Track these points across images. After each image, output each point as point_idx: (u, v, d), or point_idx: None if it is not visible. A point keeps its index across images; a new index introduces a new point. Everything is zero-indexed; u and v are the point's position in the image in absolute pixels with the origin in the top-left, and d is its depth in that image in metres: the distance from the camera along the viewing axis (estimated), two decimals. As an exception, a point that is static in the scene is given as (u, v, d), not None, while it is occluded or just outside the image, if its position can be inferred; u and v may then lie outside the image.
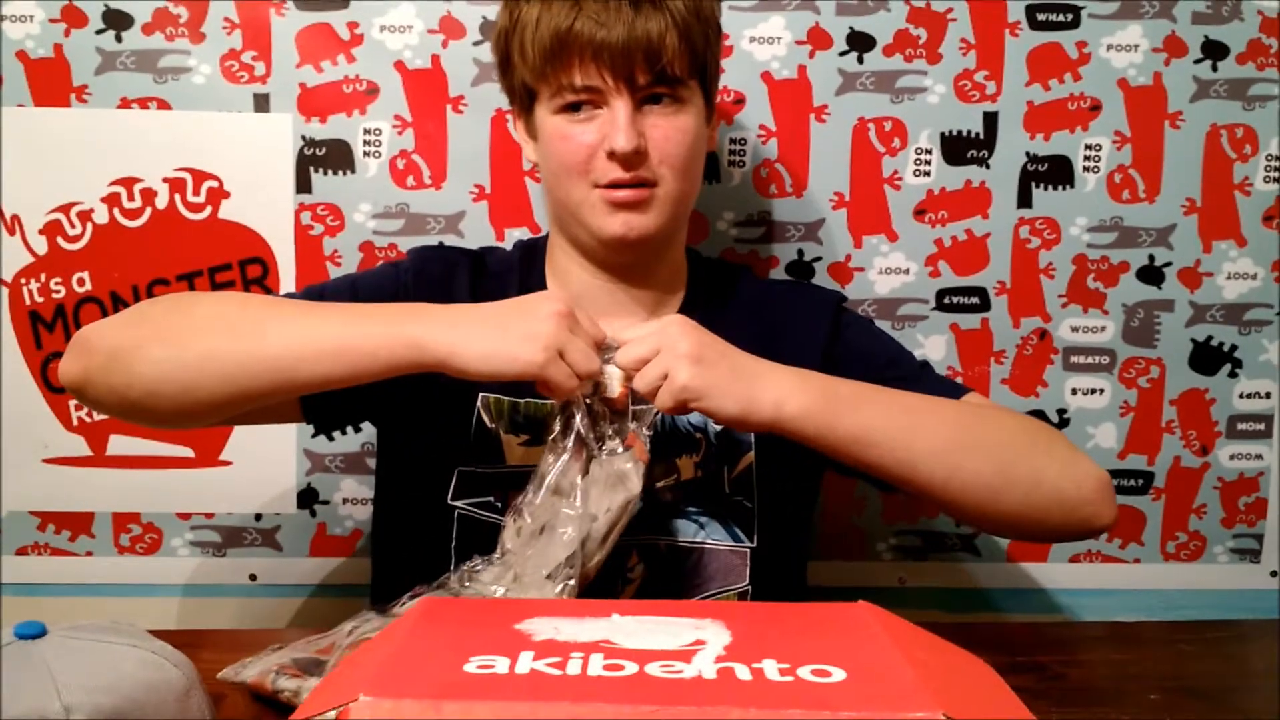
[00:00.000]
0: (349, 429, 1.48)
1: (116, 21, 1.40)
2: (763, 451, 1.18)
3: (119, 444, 1.46)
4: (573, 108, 1.11)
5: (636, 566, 1.15)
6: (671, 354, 0.97)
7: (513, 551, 0.98)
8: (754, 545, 1.16)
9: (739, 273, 1.33)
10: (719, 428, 1.17)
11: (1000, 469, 1.06)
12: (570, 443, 0.98)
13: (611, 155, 1.10)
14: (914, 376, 1.22)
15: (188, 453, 1.47)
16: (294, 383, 0.99)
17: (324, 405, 1.15)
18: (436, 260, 1.24)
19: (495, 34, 1.18)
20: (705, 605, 1.03)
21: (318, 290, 1.21)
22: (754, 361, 1.02)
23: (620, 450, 0.99)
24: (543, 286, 1.24)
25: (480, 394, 1.17)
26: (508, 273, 1.25)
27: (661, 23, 1.08)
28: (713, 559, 1.16)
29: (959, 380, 1.48)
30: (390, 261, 1.32)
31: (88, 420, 1.45)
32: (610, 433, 1.00)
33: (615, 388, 0.99)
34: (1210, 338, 1.51)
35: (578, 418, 0.98)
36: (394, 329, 0.97)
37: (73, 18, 1.39)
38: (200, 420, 1.07)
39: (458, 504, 1.15)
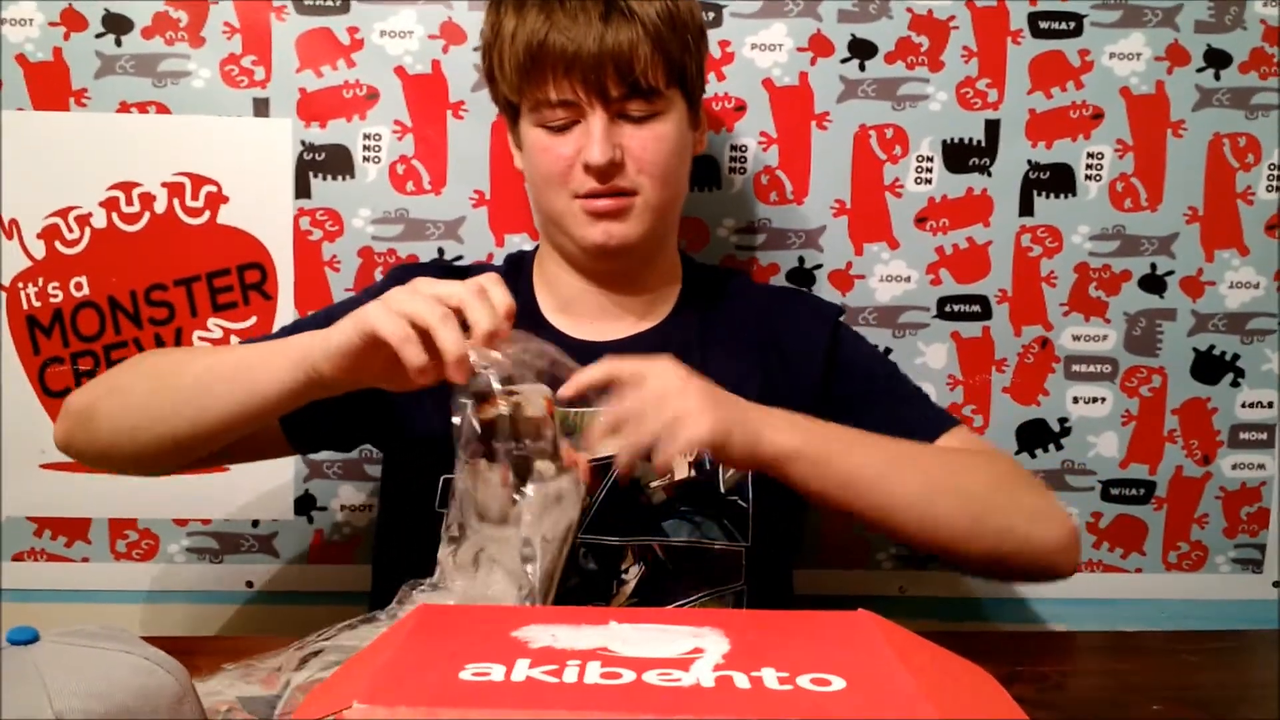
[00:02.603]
0: (354, 450, 1.48)
1: (116, 25, 1.39)
2: None
3: (116, 449, 1.45)
4: (550, 120, 1.12)
5: (632, 568, 1.15)
6: (681, 402, 0.94)
7: (447, 587, 0.93)
8: (749, 545, 1.16)
9: (735, 278, 1.34)
10: None
11: (973, 518, 1.06)
12: (487, 459, 0.92)
13: (588, 168, 1.11)
14: (909, 399, 1.25)
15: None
16: (206, 416, 1.02)
17: (303, 427, 1.18)
18: (409, 275, 1.25)
19: (482, 46, 1.19)
20: (704, 613, 1.03)
21: (291, 326, 1.26)
22: (749, 404, 1.01)
23: (554, 473, 0.94)
24: (529, 295, 1.25)
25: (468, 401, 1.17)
26: None
27: (633, 34, 1.09)
28: (708, 559, 1.15)
29: (956, 397, 1.49)
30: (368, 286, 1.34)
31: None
32: (541, 448, 0.93)
33: (538, 403, 0.92)
34: (1212, 347, 1.50)
35: (461, 424, 0.91)
36: (285, 349, 0.98)
37: (72, 21, 1.39)
38: (165, 464, 1.13)
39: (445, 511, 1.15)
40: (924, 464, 1.09)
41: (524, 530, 0.90)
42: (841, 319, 1.28)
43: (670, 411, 0.92)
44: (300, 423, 1.16)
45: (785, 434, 0.99)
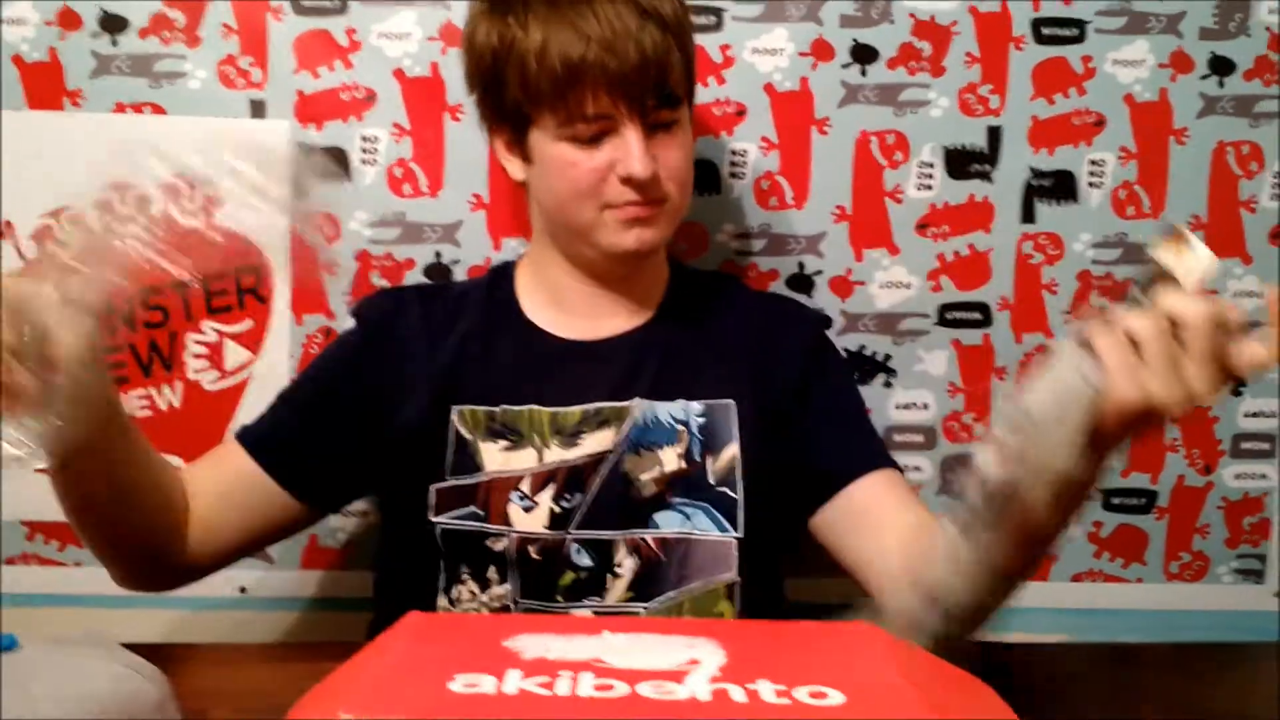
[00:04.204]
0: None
1: (112, 25, 1.38)
2: (746, 445, 1.18)
3: (109, 453, 1.44)
4: (581, 135, 1.11)
5: (625, 560, 1.15)
6: None
7: None
8: (741, 536, 1.16)
9: (725, 281, 1.37)
10: (701, 419, 1.18)
11: None
12: None
13: (627, 181, 1.10)
14: (863, 431, 1.26)
15: (178, 461, 1.45)
16: (65, 504, 1.01)
17: (310, 483, 1.21)
18: (378, 305, 1.29)
19: (475, 50, 1.16)
20: (699, 624, 1.02)
21: (292, 385, 1.28)
22: None
23: None
24: (511, 302, 1.26)
25: (454, 407, 1.18)
26: (467, 295, 1.28)
27: (667, 44, 1.09)
28: (700, 550, 1.16)
29: (956, 405, 1.48)
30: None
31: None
32: None
33: None
34: (1215, 356, 1.49)
35: None
36: None
37: (68, 21, 1.38)
38: (166, 576, 1.19)
39: (439, 520, 1.15)
40: None
41: None
42: (828, 330, 1.30)
43: None
44: (304, 479, 1.19)
45: None
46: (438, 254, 1.43)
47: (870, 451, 1.22)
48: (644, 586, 1.15)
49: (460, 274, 1.44)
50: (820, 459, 1.20)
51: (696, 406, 1.19)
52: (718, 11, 1.41)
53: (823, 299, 1.46)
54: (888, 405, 1.48)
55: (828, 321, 1.34)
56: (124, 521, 1.06)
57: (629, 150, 1.10)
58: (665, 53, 1.09)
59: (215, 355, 1.43)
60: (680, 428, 1.18)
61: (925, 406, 1.48)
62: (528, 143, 1.15)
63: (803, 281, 1.47)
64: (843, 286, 1.47)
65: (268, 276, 1.43)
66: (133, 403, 1.42)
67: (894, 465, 1.21)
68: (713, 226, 1.46)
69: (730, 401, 1.19)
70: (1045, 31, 1.43)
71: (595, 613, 1.13)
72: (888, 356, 1.48)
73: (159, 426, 1.42)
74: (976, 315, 1.48)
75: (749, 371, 1.22)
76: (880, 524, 1.15)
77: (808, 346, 1.26)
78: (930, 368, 1.48)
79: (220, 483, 1.18)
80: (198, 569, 1.18)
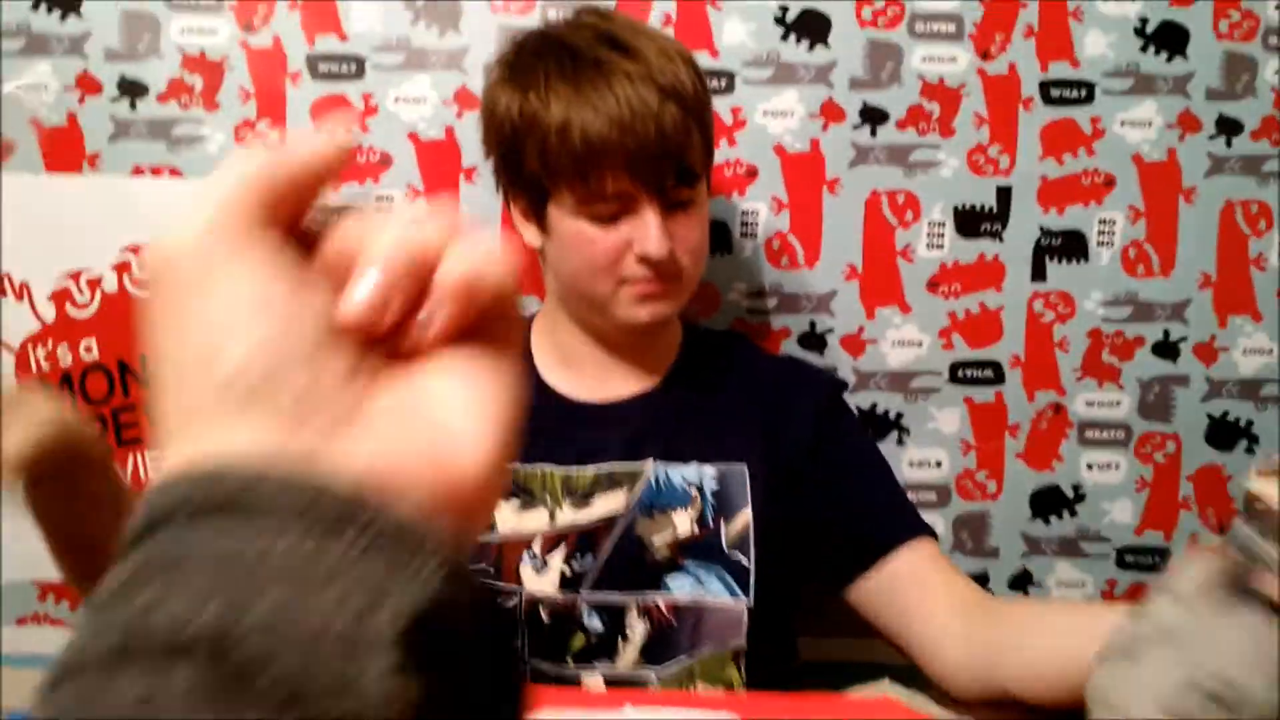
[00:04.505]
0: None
1: (131, 90, 1.40)
2: (759, 510, 1.18)
3: (123, 512, 1.44)
4: (601, 213, 1.11)
5: (636, 625, 1.15)
6: None
7: None
8: (751, 602, 1.16)
9: (737, 341, 1.36)
10: (715, 483, 1.18)
11: None
12: None
13: (644, 260, 1.11)
14: (893, 494, 1.26)
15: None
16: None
17: None
18: None
19: (495, 119, 1.16)
20: (720, 699, 1.02)
21: None
22: None
23: None
24: (525, 362, 1.24)
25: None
26: None
27: (686, 124, 1.10)
28: (711, 616, 1.15)
29: (969, 463, 1.48)
30: None
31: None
32: None
33: None
34: (1226, 413, 1.49)
35: None
36: None
37: (87, 85, 1.40)
38: None
39: None
40: None
41: None
42: (841, 391, 1.30)
43: None
44: None
45: None
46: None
47: (909, 518, 1.22)
48: (655, 651, 1.14)
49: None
50: (859, 527, 1.20)
51: (710, 470, 1.18)
52: (729, 75, 1.43)
53: (834, 357, 1.47)
54: (900, 463, 1.48)
55: (843, 385, 1.34)
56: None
57: (646, 231, 1.10)
58: (685, 132, 1.09)
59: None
60: (693, 491, 1.18)
61: (938, 464, 1.48)
62: (545, 214, 1.15)
63: (814, 340, 1.47)
64: (854, 345, 1.47)
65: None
66: (147, 464, 1.42)
67: (930, 531, 1.21)
68: (724, 286, 1.47)
69: (743, 466, 1.19)
70: (1054, 93, 1.45)
71: (606, 677, 1.13)
72: (900, 415, 1.48)
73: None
74: (988, 373, 1.48)
75: (761, 435, 1.21)
76: (926, 593, 1.14)
77: (821, 409, 1.26)
78: (943, 425, 1.48)
79: None
80: None
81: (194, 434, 0.31)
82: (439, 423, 0.33)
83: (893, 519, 1.21)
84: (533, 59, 1.13)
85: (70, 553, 1.06)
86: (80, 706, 0.25)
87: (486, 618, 0.30)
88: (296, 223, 0.35)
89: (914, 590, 1.15)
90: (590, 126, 1.06)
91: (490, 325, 0.35)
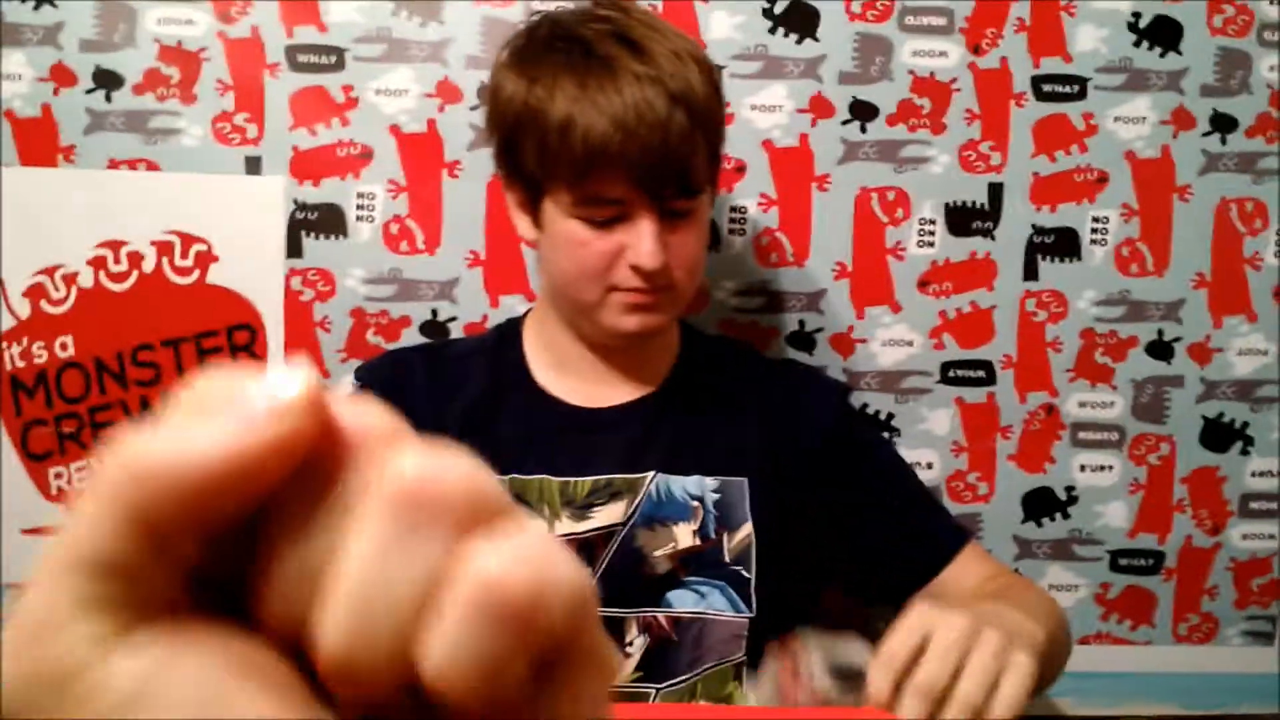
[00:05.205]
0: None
1: (107, 81, 1.37)
2: (761, 523, 1.15)
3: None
4: (595, 216, 1.08)
5: (636, 639, 1.12)
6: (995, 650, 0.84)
7: None
8: (753, 615, 1.14)
9: (737, 347, 1.33)
10: (717, 495, 1.15)
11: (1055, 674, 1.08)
12: None
13: (636, 269, 1.07)
14: (929, 506, 1.26)
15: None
16: None
17: None
18: (383, 368, 1.23)
19: (499, 103, 1.11)
20: (712, 710, 1.00)
21: None
22: (1011, 630, 0.90)
23: None
24: (519, 365, 1.22)
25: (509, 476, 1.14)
26: (472, 356, 1.23)
27: (694, 136, 1.05)
28: (713, 630, 1.13)
29: (960, 464, 1.46)
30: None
31: (68, 489, 1.41)
32: None
33: None
34: (1221, 414, 1.47)
35: None
36: None
37: (62, 77, 1.37)
38: None
39: None
40: (1060, 636, 1.07)
41: None
42: (849, 398, 1.29)
43: (986, 658, 0.83)
44: None
45: (1034, 626, 0.94)
46: (434, 311, 1.42)
47: (949, 530, 1.22)
48: (655, 666, 1.12)
49: (457, 331, 1.42)
50: (906, 550, 1.20)
51: (711, 482, 1.15)
52: (716, 69, 1.40)
53: (824, 357, 1.45)
54: (890, 464, 1.46)
55: (848, 390, 1.31)
56: None
57: (640, 240, 1.06)
58: (690, 142, 1.05)
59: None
60: (695, 503, 1.15)
61: (929, 466, 1.46)
62: (540, 208, 1.12)
63: (803, 339, 1.45)
64: (844, 344, 1.45)
65: (261, 334, 1.41)
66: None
67: (968, 533, 1.22)
68: (712, 284, 1.44)
69: (744, 479, 1.16)
70: (1046, 88, 1.43)
71: None
72: (890, 415, 1.46)
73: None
74: (980, 373, 1.46)
75: (765, 445, 1.18)
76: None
77: (833, 421, 1.23)
78: (933, 426, 1.46)
79: None
80: None
81: None
82: None
83: (936, 536, 1.21)
84: (543, 48, 1.08)
85: None
86: None
87: None
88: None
89: (964, 596, 1.15)
90: (593, 127, 1.02)
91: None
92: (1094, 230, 1.45)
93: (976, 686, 0.81)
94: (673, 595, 1.13)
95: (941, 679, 0.81)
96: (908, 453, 1.45)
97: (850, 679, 0.87)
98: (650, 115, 1.02)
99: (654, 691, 1.11)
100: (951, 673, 0.81)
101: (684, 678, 1.12)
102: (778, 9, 1.41)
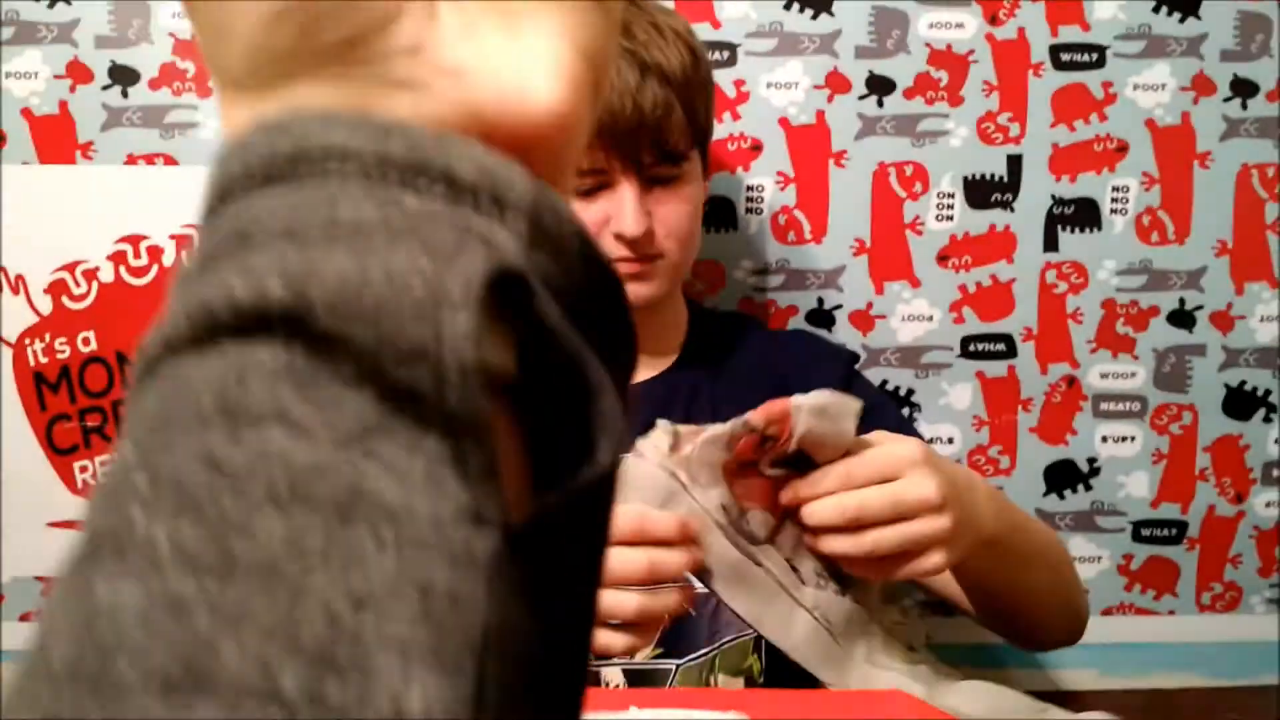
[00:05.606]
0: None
1: (123, 77, 1.38)
2: None
3: (127, 505, 1.43)
4: (576, 186, 1.09)
5: None
6: (935, 524, 0.86)
7: None
8: None
9: (745, 322, 1.34)
10: None
11: (1063, 602, 1.12)
12: None
13: (619, 237, 1.08)
14: None
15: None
16: None
17: None
18: None
19: None
20: (728, 694, 1.00)
21: None
22: (970, 494, 0.93)
23: None
24: None
25: None
26: None
27: (668, 100, 1.07)
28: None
29: (981, 438, 1.46)
30: None
31: (92, 483, 1.42)
32: None
33: None
34: (1244, 382, 1.47)
35: None
36: None
37: (78, 74, 1.37)
38: None
39: None
40: (1050, 542, 1.11)
41: None
42: (856, 365, 1.28)
43: (923, 533, 0.86)
44: None
45: (989, 524, 0.95)
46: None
47: None
48: (674, 642, 1.12)
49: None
50: None
51: None
52: (731, 47, 1.40)
53: (843, 334, 1.44)
54: (912, 440, 1.46)
55: (855, 357, 1.32)
56: None
57: (622, 208, 1.08)
58: (665, 110, 1.06)
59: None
60: None
61: (950, 440, 1.46)
62: None
63: (823, 316, 1.45)
64: (864, 320, 1.45)
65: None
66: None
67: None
68: (730, 263, 1.44)
69: None
70: (1064, 57, 1.41)
71: (625, 671, 1.11)
72: (911, 391, 1.46)
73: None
74: (1000, 346, 1.45)
75: None
76: None
77: (835, 382, 1.23)
78: (954, 401, 1.46)
79: None
80: None
81: (250, 99, 0.28)
82: (504, 63, 0.28)
83: None
84: None
85: None
86: (176, 390, 0.25)
87: (585, 271, 0.28)
88: None
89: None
90: None
91: None
92: (1114, 200, 1.44)
93: (889, 546, 0.85)
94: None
95: (871, 517, 0.85)
96: (928, 428, 1.45)
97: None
98: (621, 86, 1.04)
99: (674, 668, 1.12)
100: (886, 519, 0.85)
101: (703, 652, 1.12)
102: (791, -15, 1.40)
